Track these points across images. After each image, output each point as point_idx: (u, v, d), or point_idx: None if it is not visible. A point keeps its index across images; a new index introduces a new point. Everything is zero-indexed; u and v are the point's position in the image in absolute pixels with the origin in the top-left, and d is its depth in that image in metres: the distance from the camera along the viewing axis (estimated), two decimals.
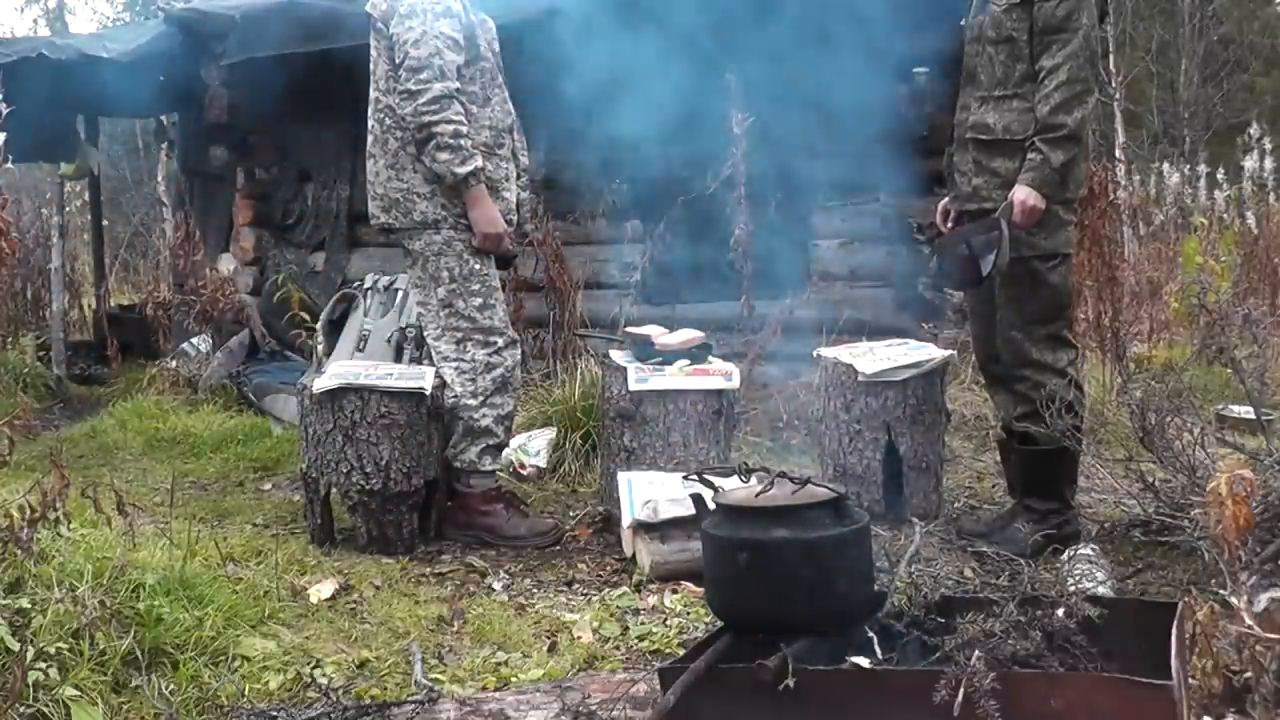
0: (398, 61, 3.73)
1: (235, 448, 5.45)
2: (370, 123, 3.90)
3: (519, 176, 4.04)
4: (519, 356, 4.04)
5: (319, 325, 5.54)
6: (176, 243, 7.52)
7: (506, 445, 4.14)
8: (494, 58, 3.95)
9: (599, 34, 5.06)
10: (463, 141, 3.70)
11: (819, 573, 2.21)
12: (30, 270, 8.66)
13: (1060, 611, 2.17)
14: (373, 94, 3.88)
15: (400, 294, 5.60)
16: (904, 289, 6.84)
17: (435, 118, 3.67)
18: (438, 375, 3.88)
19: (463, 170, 3.70)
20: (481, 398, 3.90)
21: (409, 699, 2.59)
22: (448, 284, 3.87)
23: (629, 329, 4.68)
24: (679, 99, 5.40)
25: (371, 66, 3.89)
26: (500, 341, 3.94)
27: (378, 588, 3.41)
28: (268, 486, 4.88)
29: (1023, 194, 3.47)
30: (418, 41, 3.68)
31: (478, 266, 3.88)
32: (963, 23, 3.83)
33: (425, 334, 4.02)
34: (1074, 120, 3.45)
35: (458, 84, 3.74)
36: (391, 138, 3.82)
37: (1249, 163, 10.48)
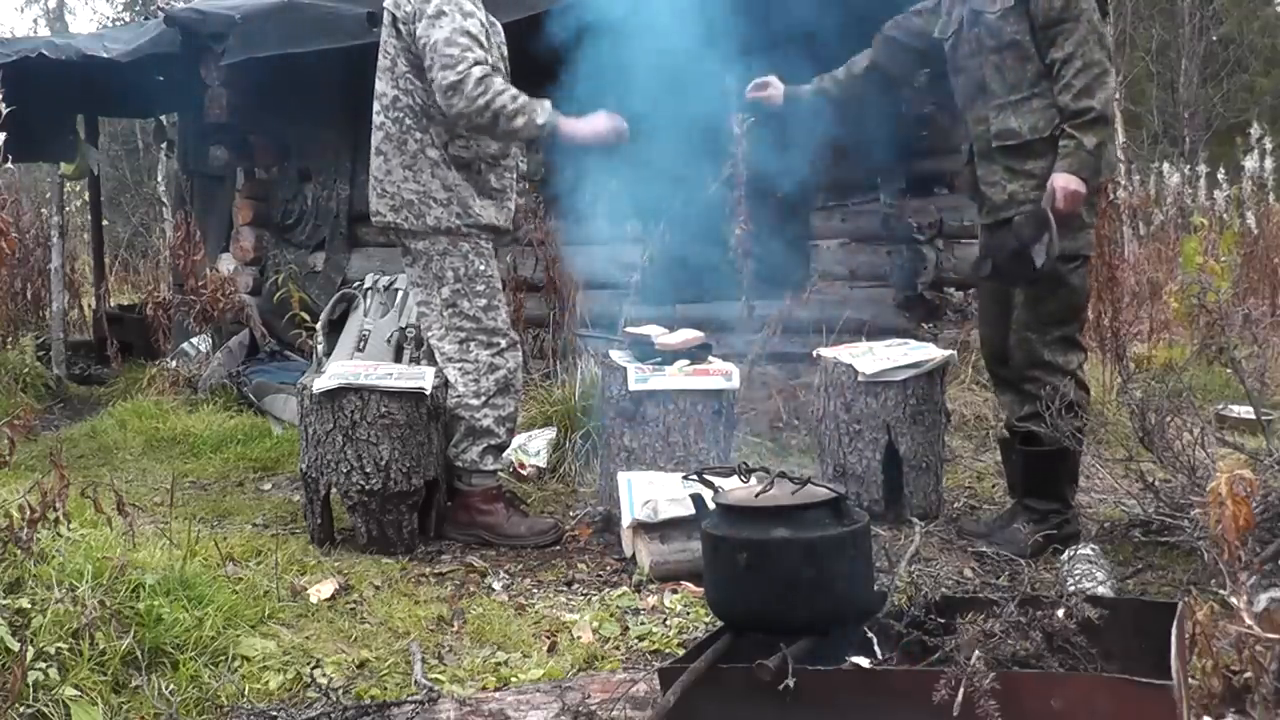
0: (429, 63, 3.68)
1: (235, 448, 5.45)
2: (382, 120, 3.85)
3: (518, 182, 4.05)
4: (520, 359, 4.03)
5: (319, 325, 5.54)
6: (176, 243, 7.51)
7: (508, 446, 4.14)
8: (504, 65, 3.93)
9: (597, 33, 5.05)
10: (521, 101, 3.65)
11: (819, 573, 2.21)
12: (30, 270, 8.65)
13: (1060, 612, 2.17)
14: (390, 92, 3.83)
15: (400, 294, 5.60)
16: (904, 289, 6.84)
17: (489, 96, 3.61)
18: (438, 375, 3.88)
19: (542, 120, 3.67)
20: (484, 398, 3.90)
21: (409, 699, 2.59)
22: (452, 284, 3.86)
23: (629, 329, 4.67)
24: (678, 98, 5.39)
25: (386, 63, 3.84)
26: (503, 343, 3.93)
27: (378, 588, 3.41)
28: (268, 486, 4.87)
29: (1063, 180, 3.45)
30: (449, 40, 3.64)
31: (482, 268, 3.87)
32: (935, 34, 3.81)
33: (427, 334, 4.01)
34: (1100, 101, 3.45)
35: (492, 61, 3.72)
36: (411, 139, 3.79)
37: (1249, 163, 10.47)
